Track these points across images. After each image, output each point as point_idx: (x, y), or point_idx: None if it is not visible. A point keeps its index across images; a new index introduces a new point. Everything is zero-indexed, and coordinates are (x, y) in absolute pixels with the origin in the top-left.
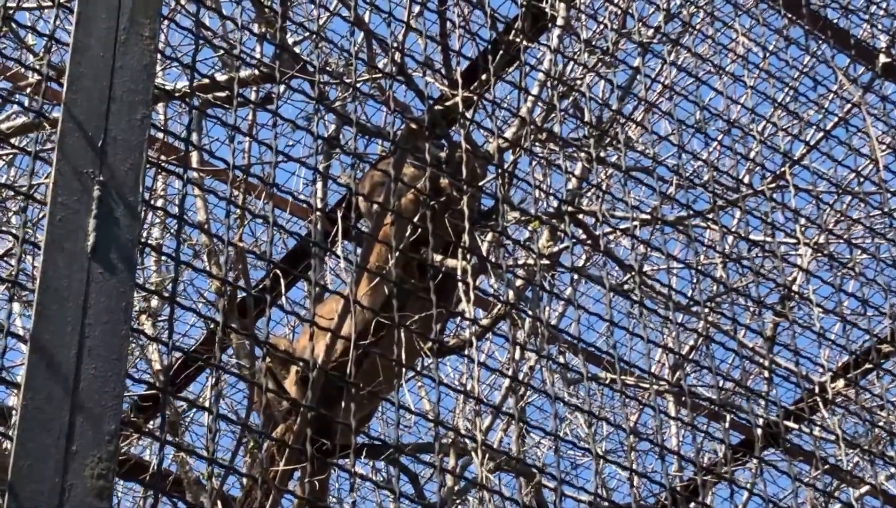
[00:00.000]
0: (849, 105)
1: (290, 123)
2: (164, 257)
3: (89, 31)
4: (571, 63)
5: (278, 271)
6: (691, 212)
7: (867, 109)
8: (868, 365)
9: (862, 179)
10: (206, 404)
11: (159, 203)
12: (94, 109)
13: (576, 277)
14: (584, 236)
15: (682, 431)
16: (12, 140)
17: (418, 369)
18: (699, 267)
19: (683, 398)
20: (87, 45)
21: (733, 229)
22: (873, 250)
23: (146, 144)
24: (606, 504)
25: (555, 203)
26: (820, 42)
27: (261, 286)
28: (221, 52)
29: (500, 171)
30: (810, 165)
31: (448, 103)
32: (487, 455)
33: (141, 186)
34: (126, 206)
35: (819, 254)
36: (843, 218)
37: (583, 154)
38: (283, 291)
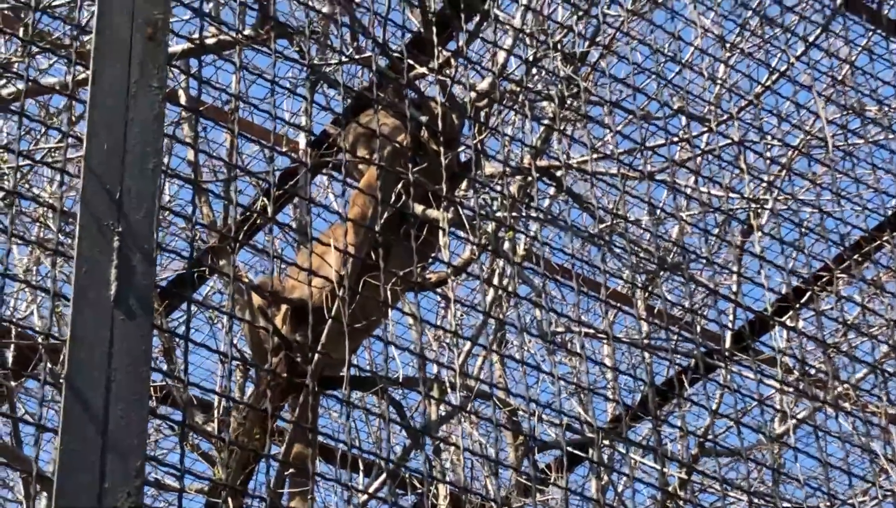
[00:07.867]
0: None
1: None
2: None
3: (103, 86)
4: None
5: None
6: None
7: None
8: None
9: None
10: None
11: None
12: (110, 162)
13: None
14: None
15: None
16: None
17: (401, 307)
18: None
19: (657, 310)
20: (101, 100)
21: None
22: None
23: (158, 192)
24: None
25: (527, 152)
26: None
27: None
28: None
29: (475, 123)
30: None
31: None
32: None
33: (154, 233)
34: (142, 254)
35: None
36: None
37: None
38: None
